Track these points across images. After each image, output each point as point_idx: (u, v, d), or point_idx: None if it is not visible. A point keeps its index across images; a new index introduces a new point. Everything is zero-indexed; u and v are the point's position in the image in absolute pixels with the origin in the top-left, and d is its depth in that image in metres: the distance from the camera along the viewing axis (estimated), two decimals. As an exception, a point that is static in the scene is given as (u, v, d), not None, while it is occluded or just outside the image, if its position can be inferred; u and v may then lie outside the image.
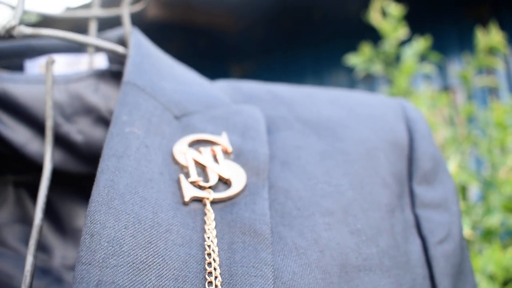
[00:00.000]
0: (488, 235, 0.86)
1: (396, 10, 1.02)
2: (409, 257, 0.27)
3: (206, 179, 0.24)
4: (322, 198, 0.26)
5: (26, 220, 0.33)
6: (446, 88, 1.98)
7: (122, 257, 0.19)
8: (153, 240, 0.20)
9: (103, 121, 0.33)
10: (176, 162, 0.25)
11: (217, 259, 0.21)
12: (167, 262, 0.20)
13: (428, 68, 1.07)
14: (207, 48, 2.40)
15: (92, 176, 0.23)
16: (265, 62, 2.46)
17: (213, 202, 0.23)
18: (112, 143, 0.23)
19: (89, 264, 0.19)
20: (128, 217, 0.20)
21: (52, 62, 0.30)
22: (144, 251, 0.20)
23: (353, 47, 1.18)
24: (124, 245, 0.19)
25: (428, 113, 0.95)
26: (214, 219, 0.23)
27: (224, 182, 0.25)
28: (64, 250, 0.33)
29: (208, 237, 0.21)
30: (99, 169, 0.22)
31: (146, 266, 0.19)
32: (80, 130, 0.32)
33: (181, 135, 0.26)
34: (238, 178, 0.25)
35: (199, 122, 0.27)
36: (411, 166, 0.31)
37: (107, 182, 0.21)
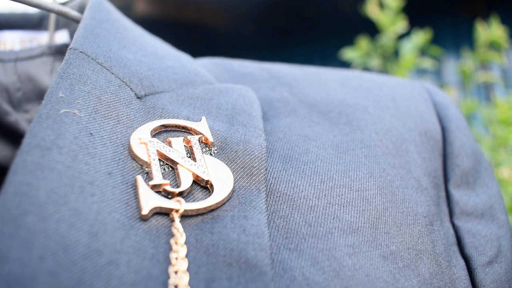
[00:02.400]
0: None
1: (394, 1, 0.97)
2: (455, 287, 0.20)
3: (176, 182, 0.17)
4: (342, 208, 0.18)
5: None
6: (441, 86, 1.95)
7: None
8: (87, 279, 0.13)
9: None
10: (133, 157, 0.17)
11: None
12: None
13: (429, 62, 1.03)
14: (196, 45, 2.35)
15: None
16: (256, 60, 2.41)
17: (185, 216, 0.16)
18: (38, 129, 0.16)
19: None
20: (48, 242, 0.13)
21: None
22: None
23: (346, 45, 1.12)
24: None
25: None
26: (186, 243, 0.15)
27: (203, 187, 0.17)
28: None
29: (176, 272, 0.14)
30: (12, 167, 0.14)
31: None
32: (32, 120, 0.28)
33: (144, 120, 0.19)
34: (223, 180, 0.17)
35: (170, 103, 0.20)
36: (447, 164, 0.24)
37: (21, 187, 0.14)
